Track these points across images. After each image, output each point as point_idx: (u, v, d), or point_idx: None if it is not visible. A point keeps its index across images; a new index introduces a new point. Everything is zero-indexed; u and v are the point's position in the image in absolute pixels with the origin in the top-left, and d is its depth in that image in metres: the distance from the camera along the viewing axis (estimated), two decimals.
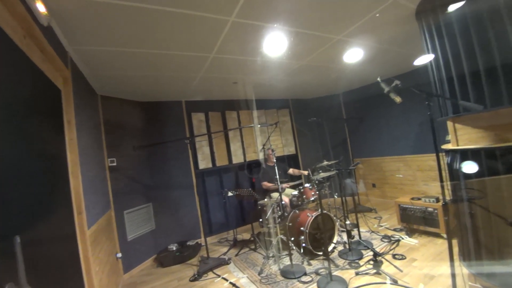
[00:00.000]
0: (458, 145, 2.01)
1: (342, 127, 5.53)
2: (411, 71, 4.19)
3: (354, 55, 3.17)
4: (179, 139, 3.90)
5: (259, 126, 4.59)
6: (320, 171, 3.41)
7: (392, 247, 3.00)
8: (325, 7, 2.00)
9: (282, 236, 3.12)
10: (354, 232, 3.25)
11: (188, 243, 3.75)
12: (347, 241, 3.04)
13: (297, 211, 3.30)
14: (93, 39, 1.96)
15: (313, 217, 2.98)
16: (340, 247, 3.14)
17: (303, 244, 2.95)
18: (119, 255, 3.02)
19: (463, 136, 1.99)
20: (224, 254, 3.56)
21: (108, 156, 3.21)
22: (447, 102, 1.96)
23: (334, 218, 3.16)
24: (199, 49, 2.42)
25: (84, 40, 1.96)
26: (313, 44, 2.70)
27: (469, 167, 1.98)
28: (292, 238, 3.07)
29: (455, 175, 2.07)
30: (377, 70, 4.01)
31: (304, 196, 3.40)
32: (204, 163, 4.23)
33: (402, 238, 3.18)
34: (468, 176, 1.97)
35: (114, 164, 3.26)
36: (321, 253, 2.97)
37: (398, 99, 1.85)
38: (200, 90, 3.80)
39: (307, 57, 3.04)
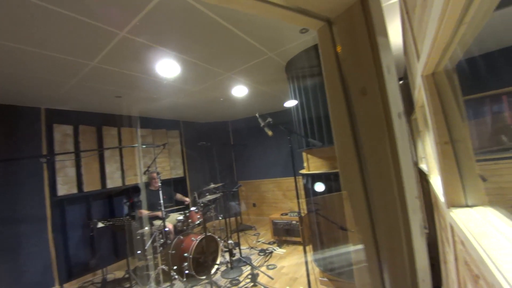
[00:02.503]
0: (309, 170, 2.70)
1: (229, 152, 6.02)
2: (283, 110, 5.24)
3: (240, 90, 3.69)
4: (31, 157, 3.03)
5: (144, 146, 4.28)
6: (207, 194, 3.55)
7: (266, 259, 3.45)
8: (218, 48, 2.31)
9: (163, 267, 2.94)
10: (236, 251, 3.51)
11: None
12: (229, 260, 3.24)
13: (182, 237, 3.23)
14: None
15: (197, 241, 3.02)
16: (223, 267, 3.29)
17: (186, 271, 2.90)
18: None
19: (312, 164, 2.71)
20: None
21: None
22: (303, 138, 2.63)
23: (218, 239, 3.32)
24: (79, 55, 2.14)
25: None
26: (206, 75, 2.95)
27: (319, 186, 2.69)
28: (175, 267, 2.95)
29: (308, 193, 2.75)
30: (258, 105, 4.78)
31: (190, 220, 3.39)
32: (65, 188, 3.44)
33: (274, 250, 3.73)
34: (316, 193, 2.66)
35: None
36: (204, 277, 3.00)
37: (270, 133, 2.32)
38: (71, 98, 3.20)
39: (200, 85, 3.26)
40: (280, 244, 3.91)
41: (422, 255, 0.51)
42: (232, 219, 5.19)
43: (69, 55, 2.11)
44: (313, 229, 2.76)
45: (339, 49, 0.62)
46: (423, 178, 2.64)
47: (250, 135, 5.79)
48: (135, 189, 4.14)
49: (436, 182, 1.63)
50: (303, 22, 0.62)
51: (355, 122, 0.57)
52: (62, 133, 3.52)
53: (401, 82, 2.61)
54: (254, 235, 4.60)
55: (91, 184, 3.70)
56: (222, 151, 5.87)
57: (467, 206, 1.16)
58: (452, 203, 1.18)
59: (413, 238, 0.50)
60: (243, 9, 0.57)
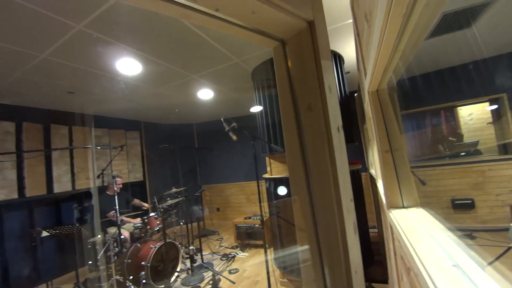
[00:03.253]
0: (272, 175, 2.81)
1: (193, 156, 5.91)
2: (249, 115, 5.33)
3: (206, 93, 3.68)
4: None
5: (99, 147, 4.00)
6: (168, 199, 3.45)
7: (229, 264, 3.45)
8: (184, 50, 2.30)
9: (118, 277, 2.77)
10: (198, 257, 3.46)
11: None
12: (190, 267, 3.18)
13: (139, 245, 3.08)
14: None
15: (156, 248, 2.91)
16: (184, 274, 3.21)
17: (143, 281, 2.77)
18: None
19: (275, 168, 2.82)
20: None
21: None
22: (266, 143, 2.73)
23: (179, 245, 3.24)
24: (27, 45, 1.96)
25: None
26: (170, 76, 2.90)
27: (282, 190, 2.80)
28: (131, 277, 2.81)
29: (271, 196, 2.85)
30: (225, 109, 4.80)
31: (148, 227, 3.26)
32: (3, 193, 3.05)
33: (237, 254, 3.75)
34: (278, 197, 2.77)
35: None
36: (163, 286, 2.90)
37: (234, 137, 2.37)
38: (14, 91, 2.88)
39: (163, 85, 3.18)
40: (243, 248, 3.95)
41: (355, 250, 0.60)
42: (195, 224, 5.08)
43: (14, 44, 1.92)
44: (275, 232, 2.86)
45: (290, 64, 0.70)
46: (373, 183, 2.92)
47: (215, 138, 5.77)
48: (87, 194, 3.84)
49: (380, 186, 1.82)
50: (260, 41, 0.69)
51: (302, 134, 0.64)
52: (2, 131, 3.14)
53: (356, 94, 2.87)
54: (217, 240, 4.57)
55: (34, 189, 3.34)
56: (185, 154, 5.75)
57: (403, 207, 1.34)
58: (391, 205, 1.35)
59: (348, 235, 0.58)
60: (208, 26, 0.61)
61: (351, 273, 0.59)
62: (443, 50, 3.13)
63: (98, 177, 3.35)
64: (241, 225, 4.00)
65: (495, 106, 3.80)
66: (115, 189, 2.97)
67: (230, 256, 3.70)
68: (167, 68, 2.65)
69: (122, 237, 2.89)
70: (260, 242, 3.86)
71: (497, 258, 2.32)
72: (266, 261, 2.42)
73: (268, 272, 2.43)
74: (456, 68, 3.65)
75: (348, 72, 3.33)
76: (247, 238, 3.93)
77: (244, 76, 3.15)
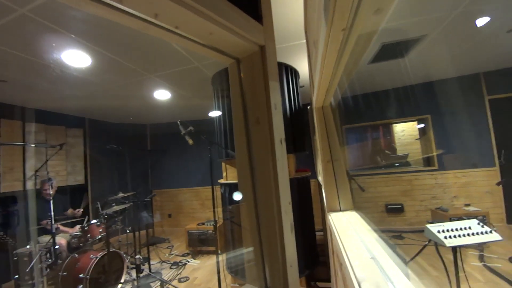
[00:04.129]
0: (227, 180, 2.86)
1: (145, 158, 5.63)
2: (207, 119, 5.31)
3: (163, 94, 3.59)
4: None
5: (33, 145, 3.56)
6: (114, 204, 3.23)
7: (179, 272, 3.37)
8: (141, 47, 2.24)
9: None
10: (145, 266, 3.30)
11: None
12: (135, 277, 3.01)
13: (77, 255, 2.82)
14: None
15: (97, 259, 2.70)
16: (129, 286, 3.03)
17: None
18: None
19: (231, 174, 2.88)
20: None
21: None
22: (223, 149, 2.78)
23: (124, 255, 3.05)
24: None
25: None
26: (124, 72, 2.77)
27: (237, 195, 2.86)
28: None
29: (225, 202, 2.89)
30: (182, 111, 4.71)
31: (89, 235, 3.00)
32: None
33: (188, 262, 3.68)
34: (233, 202, 2.83)
35: None
36: None
37: (190, 141, 2.37)
38: None
39: (115, 82, 3.02)
40: (195, 255, 3.89)
41: (291, 247, 0.71)
42: (143, 232, 4.81)
43: None
44: (228, 237, 2.91)
45: (243, 80, 0.79)
46: (320, 189, 3.19)
47: (170, 141, 5.59)
48: (13, 199, 3.37)
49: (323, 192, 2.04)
50: (218, 57, 0.76)
51: (251, 144, 0.73)
52: None
53: (308, 107, 3.12)
54: (168, 247, 4.41)
55: None
56: (136, 157, 5.43)
57: (340, 210, 1.54)
58: (330, 208, 1.54)
59: (285, 234, 0.68)
60: (168, 40, 0.66)
61: (287, 267, 0.68)
62: (382, 75, 3.62)
63: (29, 178, 2.98)
64: (193, 231, 3.95)
65: (422, 125, 4.49)
66: (50, 192, 2.69)
67: (180, 264, 3.61)
68: (120, 63, 2.53)
69: (56, 247, 2.61)
70: (212, 248, 3.85)
71: (416, 255, 2.73)
72: (218, 267, 2.45)
73: (219, 278, 2.46)
74: (393, 91, 4.24)
75: (303, 86, 3.60)
76: (200, 244, 3.89)
77: (204, 81, 3.17)
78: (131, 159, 5.29)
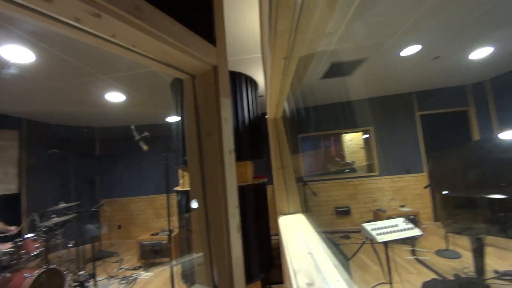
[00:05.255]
0: (184, 187, 2.85)
1: (93, 165, 5.22)
2: (164, 124, 5.18)
3: (116, 96, 3.43)
4: None
5: None
6: (53, 216, 2.96)
7: (129, 287, 3.19)
8: (92, 47, 2.15)
9: None
10: (90, 283, 3.06)
11: None
12: None
13: (8, 274, 2.51)
14: None
15: (33, 277, 2.44)
16: None
17: None
18: None
19: (188, 181, 2.88)
20: None
21: None
22: (180, 155, 2.78)
23: (65, 272, 2.80)
24: None
25: None
26: (71, 71, 2.61)
27: (195, 203, 2.86)
28: None
29: (181, 210, 2.86)
30: (137, 115, 4.52)
31: (23, 251, 2.69)
32: None
33: (140, 275, 3.51)
34: (189, 210, 2.82)
35: None
36: None
37: (145, 147, 2.33)
38: None
39: (61, 81, 2.81)
40: (148, 267, 3.72)
41: (237, 246, 0.80)
42: (88, 245, 4.43)
43: None
44: (183, 246, 2.87)
45: (197, 95, 0.87)
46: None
47: (123, 146, 5.29)
48: None
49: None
50: (174, 73, 0.83)
51: (202, 154, 0.81)
52: None
53: (266, 116, 3.30)
54: (117, 261, 4.13)
55: None
56: (82, 163, 5.01)
57: (289, 213, 1.69)
58: (281, 212, 1.68)
59: (231, 235, 0.77)
60: (126, 57, 0.71)
61: (233, 265, 0.77)
62: (333, 89, 4.00)
63: None
64: (146, 242, 3.79)
65: (367, 135, 5.04)
66: None
67: (131, 278, 3.42)
68: (67, 62, 2.38)
69: None
70: (167, 259, 3.73)
71: (356, 252, 3.04)
72: (172, 278, 2.41)
73: None
74: (342, 104, 4.70)
75: (262, 96, 3.78)
76: (153, 256, 3.74)
77: (162, 85, 3.14)
78: (77, 166, 4.85)
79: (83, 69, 2.56)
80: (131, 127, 2.40)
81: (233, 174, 0.81)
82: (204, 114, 0.81)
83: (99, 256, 4.17)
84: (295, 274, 0.80)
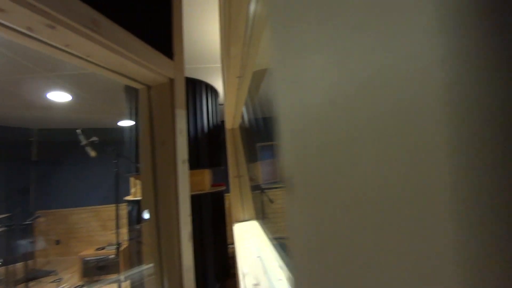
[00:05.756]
0: (136, 197, 2.74)
1: (27, 172, 4.65)
2: (116, 128, 4.88)
3: (61, 96, 3.17)
4: None
5: None
6: None
7: None
8: None
9: None
10: None
11: None
12: None
13: None
14: None
15: None
16: None
17: None
18: None
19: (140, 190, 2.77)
20: None
21: None
22: (132, 162, 2.67)
23: None
24: None
25: None
26: (8, 66, 2.36)
27: (147, 213, 2.75)
28: None
29: (132, 221, 2.74)
30: (85, 118, 4.20)
31: None
32: None
33: None
34: (141, 220, 2.71)
35: None
36: None
37: (93, 153, 2.20)
38: None
39: None
40: (92, 286, 3.43)
41: (188, 254, 0.84)
42: (20, 264, 3.91)
43: None
44: (133, 260, 2.74)
45: (152, 105, 0.90)
46: None
47: (66, 151, 4.83)
48: None
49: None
50: (130, 82, 0.85)
51: (156, 163, 0.84)
52: None
53: None
54: (54, 281, 3.71)
55: None
56: (14, 169, 4.44)
57: (244, 220, 1.76)
58: (236, 219, 1.74)
59: (182, 242, 0.81)
60: (83, 66, 0.72)
61: (183, 273, 0.81)
62: None
63: None
64: (90, 258, 3.50)
65: None
66: None
67: None
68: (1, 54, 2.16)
69: None
70: (115, 275, 3.48)
71: None
72: None
73: None
74: None
75: (222, 104, 3.85)
76: (99, 272, 3.47)
77: (115, 86, 3.00)
78: (7, 172, 4.28)
79: (21, 64, 2.33)
80: (77, 130, 2.25)
81: (186, 184, 0.85)
82: (159, 124, 0.85)
83: (32, 276, 3.70)
84: (243, 276, 0.87)
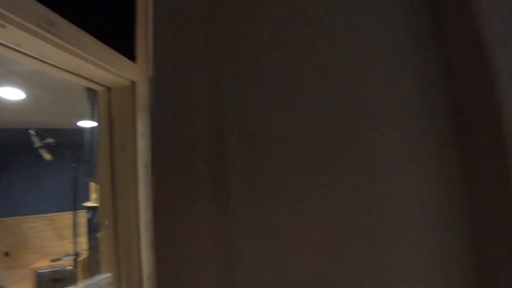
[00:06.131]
0: (96, 203, 2.60)
1: None
2: (75, 129, 4.58)
3: (13, 93, 2.91)
4: None
5: None
6: None
7: None
8: None
9: None
10: None
11: None
12: None
13: None
14: None
15: None
16: None
17: None
18: None
19: None
20: None
21: None
22: (93, 166, 2.54)
23: None
24: None
25: None
26: None
27: (106, 221, 2.61)
28: None
29: (93, 228, 2.59)
30: (39, 117, 3.89)
31: None
32: None
33: None
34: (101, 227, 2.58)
35: None
36: None
37: (48, 157, 2.06)
38: None
39: None
40: None
41: (149, 261, 0.83)
42: None
43: None
44: (93, 270, 2.59)
45: (112, 108, 0.88)
46: None
47: (12, 153, 4.41)
48: None
49: None
50: (89, 84, 0.83)
51: (115, 169, 0.83)
52: None
53: None
54: None
55: None
56: None
57: None
58: None
59: (143, 249, 0.80)
60: (35, 66, 0.69)
61: (144, 279, 0.80)
62: None
63: None
64: (44, 270, 3.24)
65: None
66: None
67: None
68: None
69: None
70: None
71: None
72: None
73: None
74: None
75: None
76: (54, 286, 3.22)
77: (75, 85, 2.83)
78: None
79: None
80: (30, 131, 2.08)
81: (148, 188, 0.85)
82: (120, 128, 0.84)
83: None
84: None
